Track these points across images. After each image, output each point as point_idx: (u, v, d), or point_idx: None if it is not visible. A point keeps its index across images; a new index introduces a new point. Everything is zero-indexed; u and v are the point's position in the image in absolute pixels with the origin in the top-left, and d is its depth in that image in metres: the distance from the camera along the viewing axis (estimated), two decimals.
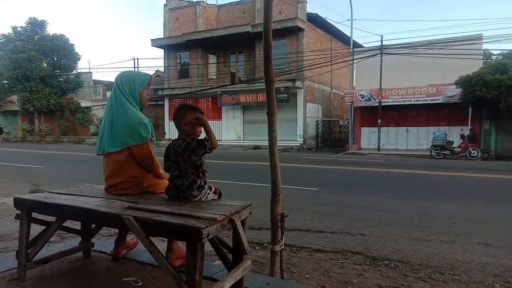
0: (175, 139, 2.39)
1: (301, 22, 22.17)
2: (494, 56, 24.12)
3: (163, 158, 2.43)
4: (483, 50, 21.14)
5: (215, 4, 27.60)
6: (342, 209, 5.79)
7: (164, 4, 28.28)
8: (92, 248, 2.95)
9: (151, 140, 2.60)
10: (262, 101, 22.92)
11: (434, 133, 18.04)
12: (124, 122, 2.52)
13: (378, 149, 20.38)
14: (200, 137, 2.39)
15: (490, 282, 3.03)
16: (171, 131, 26.48)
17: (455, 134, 18.33)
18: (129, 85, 2.61)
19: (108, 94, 35.92)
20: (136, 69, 30.55)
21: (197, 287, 1.77)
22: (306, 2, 23.04)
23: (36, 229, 2.54)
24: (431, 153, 17.14)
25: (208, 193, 2.37)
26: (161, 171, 2.65)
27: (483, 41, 19.21)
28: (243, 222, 2.20)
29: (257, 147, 21.88)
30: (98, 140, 2.69)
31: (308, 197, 6.72)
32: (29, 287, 2.35)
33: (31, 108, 31.07)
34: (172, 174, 2.34)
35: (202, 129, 2.47)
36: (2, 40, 30.86)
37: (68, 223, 2.71)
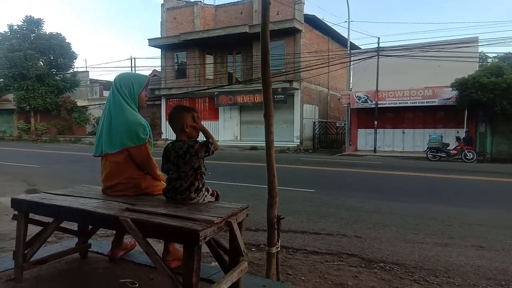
0: (175, 141, 2.39)
1: (298, 23, 22.22)
2: (490, 59, 24.28)
3: (161, 159, 2.43)
4: (479, 53, 21.28)
5: (213, 5, 27.65)
6: (338, 211, 5.81)
7: (162, 4, 28.26)
8: (89, 249, 2.95)
9: (149, 141, 2.61)
10: (259, 102, 22.93)
11: (430, 135, 18.13)
12: (123, 123, 2.53)
13: (375, 150, 20.46)
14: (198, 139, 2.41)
15: (484, 285, 3.06)
16: (168, 131, 26.45)
17: (451, 137, 18.43)
18: (128, 86, 2.62)
19: (105, 93, 35.86)
20: (133, 68, 30.50)
21: None
22: (303, 3, 23.09)
23: (33, 230, 2.54)
24: (427, 155, 17.23)
25: (206, 195, 2.38)
26: (159, 172, 2.66)
27: (479, 44, 19.36)
28: (240, 224, 2.22)
29: (253, 148, 21.89)
30: (95, 142, 2.69)
31: (305, 198, 6.75)
32: None
33: (27, 107, 30.95)
34: (170, 176, 2.34)
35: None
36: None
37: (64, 224, 2.71)
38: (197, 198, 2.32)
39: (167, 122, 26.95)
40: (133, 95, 2.62)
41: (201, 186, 2.34)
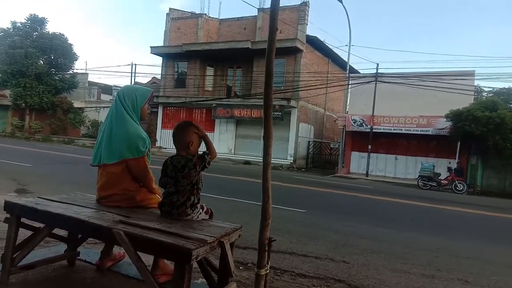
0: (175, 155, 2.42)
1: (300, 43, 22.52)
2: (485, 93, 24.68)
3: (157, 168, 2.46)
4: (475, 86, 21.65)
5: (217, 18, 27.95)
6: (328, 234, 5.82)
7: (167, 13, 28.57)
8: (77, 257, 2.94)
9: (148, 154, 2.64)
10: (256, 117, 23.07)
11: (422, 164, 18.29)
12: (123, 134, 2.56)
13: (367, 174, 20.55)
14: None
15: None
16: (162, 139, 26.42)
17: (442, 166, 18.60)
18: (131, 99, 2.65)
19: (103, 96, 35.88)
20: (133, 74, 30.60)
21: None
22: (307, 25, 23.46)
23: (22, 232, 2.53)
24: (418, 183, 17.34)
25: (200, 213, 2.40)
26: (155, 185, 2.68)
27: (476, 77, 19.72)
28: (232, 245, 2.23)
29: (247, 162, 21.90)
30: (94, 151, 2.71)
31: (295, 218, 6.75)
32: None
33: (23, 104, 30.78)
34: (168, 189, 2.36)
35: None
36: (0, 34, 30.71)
37: (54, 230, 2.71)
38: (192, 214, 2.34)
39: (163, 130, 27.06)
40: (136, 107, 2.65)
41: (196, 201, 2.37)
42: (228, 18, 27.53)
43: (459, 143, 18.36)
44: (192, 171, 2.31)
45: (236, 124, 25.02)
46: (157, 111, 27.34)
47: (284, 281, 3.60)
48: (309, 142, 25.04)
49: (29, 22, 31.47)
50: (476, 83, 21.36)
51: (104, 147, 2.60)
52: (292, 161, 22.79)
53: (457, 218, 9.20)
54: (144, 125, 20.07)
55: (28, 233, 2.60)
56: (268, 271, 2.74)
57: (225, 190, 9.44)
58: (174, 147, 2.51)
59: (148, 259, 2.72)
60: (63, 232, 3.00)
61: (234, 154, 24.47)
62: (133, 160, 2.54)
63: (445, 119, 17.85)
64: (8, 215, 2.46)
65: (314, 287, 3.52)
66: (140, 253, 2.01)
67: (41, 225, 2.54)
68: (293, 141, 23.04)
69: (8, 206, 2.45)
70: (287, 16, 22.80)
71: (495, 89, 23.38)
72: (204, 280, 2.75)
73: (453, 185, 16.63)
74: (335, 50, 26.68)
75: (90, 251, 3.34)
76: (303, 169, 22.92)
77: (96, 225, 2.12)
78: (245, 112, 23.57)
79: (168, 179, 2.37)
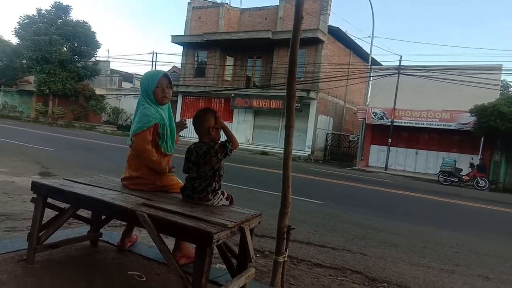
0: (197, 142, 2.45)
1: (321, 34, 22.24)
2: (511, 88, 23.95)
3: (184, 159, 2.50)
4: (502, 80, 21.03)
5: (238, 7, 27.83)
6: (345, 226, 5.80)
7: (188, 2, 28.57)
8: (100, 238, 3.01)
9: (160, 138, 2.65)
10: (274, 108, 23.00)
11: (443, 159, 17.96)
12: (135, 116, 2.68)
13: (386, 168, 20.30)
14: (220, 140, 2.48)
15: None
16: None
17: (464, 162, 18.22)
18: (144, 84, 2.76)
19: (124, 84, 36.37)
20: (154, 63, 30.86)
21: None
22: (329, 15, 23.12)
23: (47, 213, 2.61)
24: (438, 178, 17.05)
25: (221, 199, 2.43)
26: (157, 166, 2.61)
27: (502, 72, 19.13)
28: (251, 231, 2.25)
29: (264, 153, 21.91)
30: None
31: (313, 209, 6.74)
32: (37, 270, 2.42)
33: (47, 90, 31.45)
34: (190, 175, 2.40)
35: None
36: (26, 21, 31.35)
37: (78, 211, 2.78)
38: (213, 200, 2.38)
39: (181, 119, 27.04)
40: (148, 90, 2.71)
41: (217, 187, 2.41)
42: (249, 8, 27.39)
43: (482, 139, 17.94)
44: (213, 158, 2.35)
45: (254, 114, 25.00)
46: (177, 100, 27.55)
47: (301, 270, 3.61)
48: (327, 134, 24.85)
49: (53, 9, 32.00)
50: (502, 77, 20.77)
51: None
52: (309, 152, 22.69)
53: (478, 214, 9.03)
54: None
55: (52, 214, 2.67)
56: (286, 259, 2.76)
57: (241, 179, 9.48)
58: (194, 135, 2.56)
59: (170, 241, 2.77)
60: (86, 214, 3.08)
61: (252, 144, 24.50)
62: (134, 136, 2.60)
63: (469, 114, 17.42)
64: (35, 195, 2.54)
65: (331, 277, 3.52)
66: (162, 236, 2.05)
67: (66, 206, 2.61)
68: (311, 133, 22.90)
69: (36, 186, 2.52)
70: (309, 6, 22.48)
71: None
72: (222, 265, 2.79)
73: (475, 181, 16.28)
74: (357, 41, 26.28)
75: (112, 233, 3.42)
76: (321, 161, 22.81)
77: (120, 207, 2.16)
78: (264, 103, 23.51)
79: (191, 165, 2.41)
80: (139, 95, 2.80)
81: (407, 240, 5.35)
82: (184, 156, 2.54)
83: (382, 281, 3.56)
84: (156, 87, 2.73)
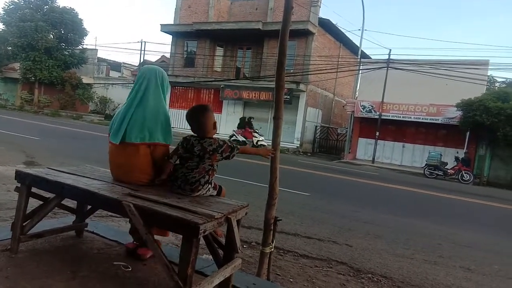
0: (204, 137, 2.44)
1: (312, 26, 22.19)
2: (497, 83, 24.32)
3: (180, 147, 2.47)
4: (488, 76, 21.31)
5: None
6: (331, 217, 5.86)
7: None
8: (85, 228, 2.99)
9: None
10: (264, 99, 22.96)
11: (429, 152, 18.20)
12: (161, 115, 2.48)
13: (373, 161, 20.50)
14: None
15: None
16: (172, 119, 26.36)
17: (450, 156, 18.49)
18: (168, 84, 2.67)
19: (111, 73, 35.80)
20: (143, 52, 30.49)
21: (188, 280, 1.82)
22: (319, 7, 23.06)
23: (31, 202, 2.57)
24: (424, 171, 17.28)
25: (209, 189, 2.44)
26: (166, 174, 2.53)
27: (489, 67, 19.38)
28: (238, 222, 2.25)
29: (253, 145, 21.92)
30: (115, 126, 2.49)
31: (300, 201, 6.79)
32: (21, 260, 2.39)
33: (32, 78, 30.85)
34: (187, 165, 2.39)
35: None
36: (11, 7, 30.59)
37: (63, 201, 2.74)
38: (202, 190, 2.38)
39: (171, 110, 27.13)
40: (165, 93, 2.64)
41: (210, 180, 2.44)
42: None
43: (468, 133, 18.21)
44: (218, 155, 2.39)
45: (244, 106, 24.93)
46: None
47: (287, 261, 3.65)
48: (316, 126, 24.94)
49: None
50: (489, 73, 21.02)
51: (135, 125, 2.44)
52: (298, 145, 22.76)
53: (462, 207, 9.20)
54: None
55: (37, 204, 2.64)
56: (272, 250, 2.79)
57: (229, 171, 9.48)
58: (181, 126, 2.54)
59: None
60: (71, 204, 3.05)
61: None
62: (164, 146, 2.48)
63: (455, 108, 17.64)
64: (19, 185, 2.50)
65: (317, 268, 3.56)
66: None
67: (51, 196, 2.58)
68: (300, 125, 22.95)
69: (20, 175, 2.48)
70: None
71: (508, 80, 23.01)
72: (209, 256, 2.80)
73: (460, 175, 16.55)
74: (347, 34, 26.29)
75: (98, 223, 3.40)
76: (309, 154, 22.92)
77: (105, 197, 2.14)
78: (254, 94, 23.44)
79: (191, 155, 2.39)
80: (154, 85, 2.55)
81: (392, 232, 5.43)
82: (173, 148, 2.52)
83: (367, 272, 3.61)
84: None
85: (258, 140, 18.77)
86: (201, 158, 2.38)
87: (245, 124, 20.41)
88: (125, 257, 2.65)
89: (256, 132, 19.63)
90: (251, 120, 20.68)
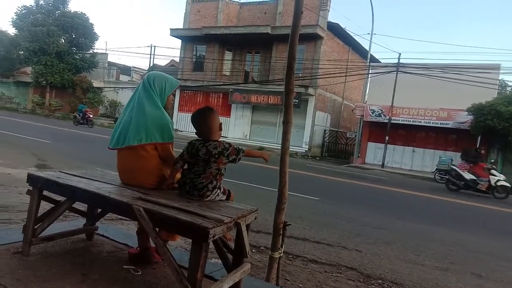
0: (208, 140, 2.42)
1: (321, 30, 22.18)
2: (509, 88, 24.03)
3: (185, 152, 2.46)
4: (499, 80, 21.06)
5: (238, 2, 27.69)
6: (341, 222, 5.82)
7: None
8: (95, 232, 3.01)
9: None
10: (272, 103, 22.98)
11: (440, 157, 17.99)
12: (156, 118, 2.51)
13: (382, 165, 20.35)
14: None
15: None
16: (179, 122, 26.53)
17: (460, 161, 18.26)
18: (160, 85, 2.62)
19: (121, 77, 36.14)
20: (152, 56, 30.72)
21: (198, 284, 1.82)
22: (328, 11, 23.04)
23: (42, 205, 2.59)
24: (435, 176, 17.07)
25: (218, 193, 2.43)
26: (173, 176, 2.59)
27: (501, 71, 19.16)
28: (247, 226, 2.25)
29: (261, 148, 21.76)
30: (116, 133, 2.60)
31: (309, 206, 6.76)
32: (32, 262, 2.41)
33: (44, 82, 31.28)
34: (194, 170, 2.38)
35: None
36: (24, 12, 31.13)
37: (74, 204, 2.76)
38: (211, 196, 2.38)
39: (179, 114, 27.27)
40: (163, 95, 2.62)
41: (218, 185, 2.42)
42: (248, 2, 27.26)
43: (479, 138, 17.99)
44: (224, 158, 2.36)
45: (252, 110, 24.97)
46: (175, 94, 27.43)
47: (296, 266, 3.63)
48: (325, 130, 24.86)
49: (51, 0, 31.75)
50: (500, 77, 20.81)
51: (131, 129, 2.50)
52: (307, 149, 22.70)
53: (473, 213, 9.08)
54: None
55: (48, 207, 2.66)
56: (281, 255, 2.78)
57: (237, 175, 9.48)
58: (190, 130, 2.54)
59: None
60: (82, 207, 3.07)
61: (249, 140, 24.47)
62: (164, 145, 2.51)
63: (466, 112, 17.46)
64: (30, 188, 2.53)
65: (326, 273, 3.54)
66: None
67: (62, 199, 2.60)
68: (309, 129, 22.90)
69: (32, 178, 2.50)
70: (309, 1, 22.36)
71: None
72: (218, 260, 2.80)
73: None
74: (356, 38, 26.21)
75: (108, 227, 3.42)
76: (318, 158, 22.83)
77: (116, 200, 2.16)
78: (262, 98, 23.48)
79: (197, 160, 2.38)
80: (144, 90, 2.60)
81: (402, 237, 5.37)
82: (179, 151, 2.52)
83: (377, 278, 3.58)
84: (171, 94, 2.70)
85: (498, 180, 12.49)
86: (207, 162, 2.36)
87: (474, 157, 13.56)
88: (134, 260, 2.66)
89: (493, 169, 13.09)
90: (480, 151, 14.20)
